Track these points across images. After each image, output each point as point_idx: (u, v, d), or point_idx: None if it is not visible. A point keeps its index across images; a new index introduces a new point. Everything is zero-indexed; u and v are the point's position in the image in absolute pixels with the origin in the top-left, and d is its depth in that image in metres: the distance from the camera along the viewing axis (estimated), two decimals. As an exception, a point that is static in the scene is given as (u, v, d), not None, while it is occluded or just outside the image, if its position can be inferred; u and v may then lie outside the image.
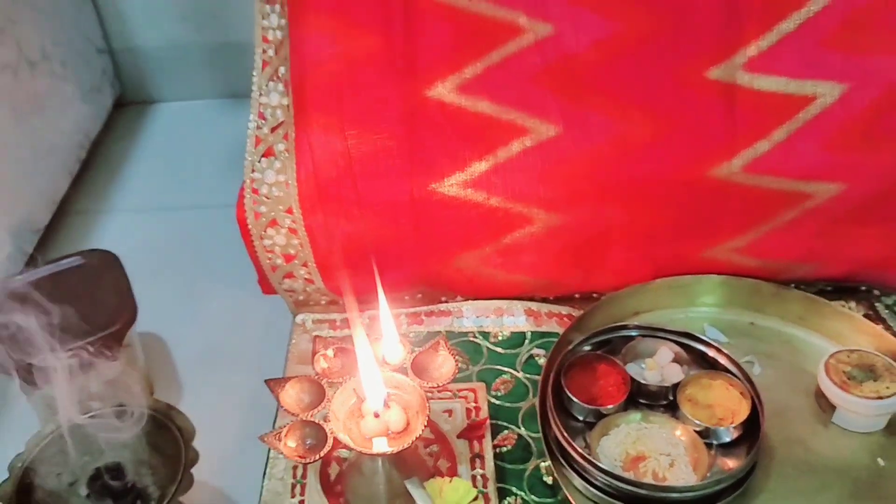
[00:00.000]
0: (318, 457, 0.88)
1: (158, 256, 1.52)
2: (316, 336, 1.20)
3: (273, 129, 1.19)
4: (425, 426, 0.90)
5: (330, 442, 0.89)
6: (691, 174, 1.12)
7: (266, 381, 0.96)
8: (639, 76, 1.12)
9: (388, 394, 0.92)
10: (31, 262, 1.40)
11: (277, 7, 1.18)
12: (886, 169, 1.10)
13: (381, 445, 0.89)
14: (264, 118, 1.19)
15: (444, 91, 1.13)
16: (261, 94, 1.20)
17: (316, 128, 1.15)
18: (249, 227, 1.20)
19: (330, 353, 0.98)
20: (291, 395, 0.94)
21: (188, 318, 1.40)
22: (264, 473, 1.09)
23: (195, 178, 1.72)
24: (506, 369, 1.19)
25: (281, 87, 1.18)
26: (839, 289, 1.25)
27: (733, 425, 1.03)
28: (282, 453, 0.89)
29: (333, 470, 1.03)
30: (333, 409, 0.91)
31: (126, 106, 1.98)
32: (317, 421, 0.92)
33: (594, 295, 1.25)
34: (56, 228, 1.57)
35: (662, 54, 1.11)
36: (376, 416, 0.90)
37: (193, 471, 0.97)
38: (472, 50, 1.14)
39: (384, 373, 0.93)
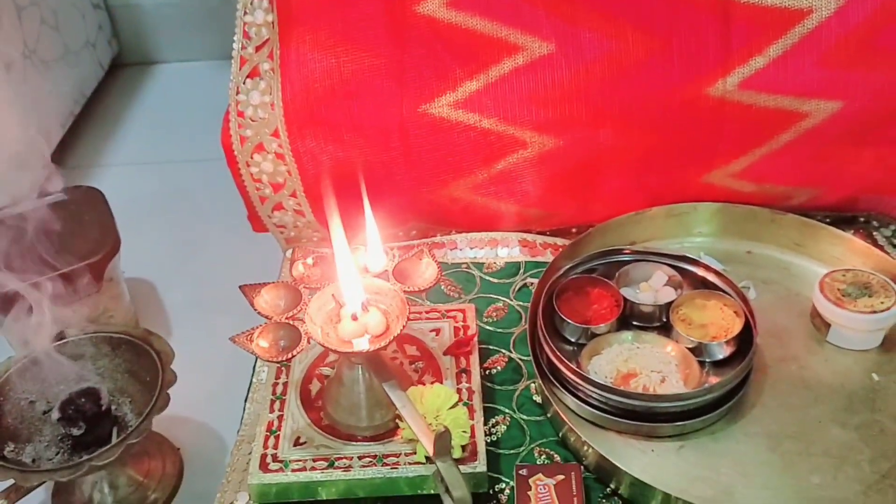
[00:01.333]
0: (289, 356, 0.87)
1: (151, 207, 1.53)
2: (296, 247, 1.19)
3: (258, 49, 1.18)
4: (408, 333, 0.89)
5: (304, 341, 0.88)
6: (686, 93, 1.10)
7: (241, 287, 0.95)
8: None
9: (367, 298, 0.91)
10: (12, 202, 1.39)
11: None
12: (884, 86, 1.09)
13: (359, 344, 0.88)
14: (248, 37, 1.18)
15: (434, 6, 1.12)
16: (245, 13, 1.19)
17: (301, 45, 1.14)
18: (235, 153, 1.19)
19: (309, 260, 0.97)
20: (267, 300, 0.93)
21: (179, 263, 1.40)
22: (246, 399, 1.08)
23: (189, 134, 1.72)
24: (499, 297, 1.18)
25: (266, 3, 1.17)
26: (837, 219, 1.24)
27: (726, 340, 1.01)
28: (252, 352, 0.88)
29: (315, 387, 1.02)
30: (310, 312, 0.90)
31: (124, 66, 1.99)
32: (291, 323, 0.90)
33: (590, 228, 1.23)
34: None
35: None
36: (354, 318, 0.89)
37: (178, 408, 0.97)
38: None
39: (365, 279, 0.92)
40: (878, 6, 1.06)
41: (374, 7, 1.13)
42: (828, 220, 1.23)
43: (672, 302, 1.07)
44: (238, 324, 1.20)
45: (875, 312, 1.03)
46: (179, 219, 1.51)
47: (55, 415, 1.01)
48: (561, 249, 1.21)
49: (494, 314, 1.16)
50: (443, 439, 0.82)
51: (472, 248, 1.25)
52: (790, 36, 1.08)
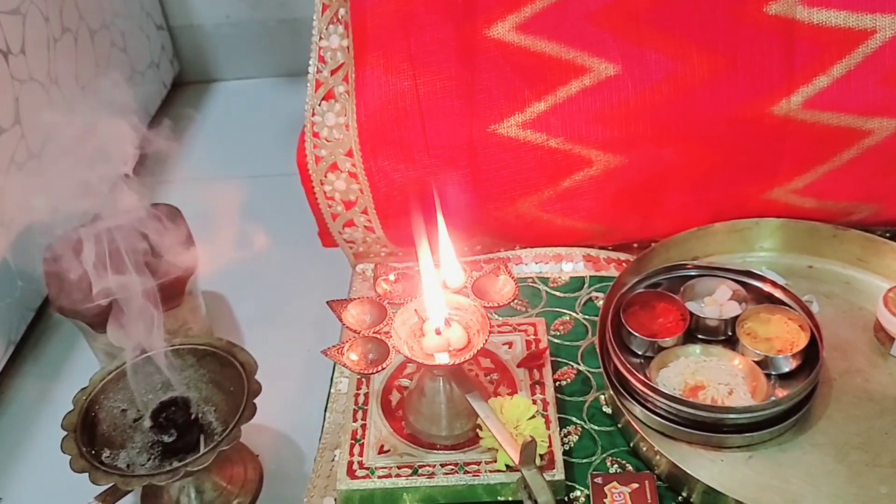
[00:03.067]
0: (379, 368, 0.91)
1: (217, 221, 1.56)
2: (377, 263, 1.23)
3: (333, 72, 1.22)
4: (485, 345, 0.93)
5: (392, 355, 0.92)
6: (750, 112, 1.13)
7: (328, 302, 0.99)
8: (697, 13, 1.14)
9: (448, 314, 0.95)
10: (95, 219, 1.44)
11: None
12: None
13: (443, 358, 0.92)
14: (324, 61, 1.23)
15: (503, 30, 1.17)
16: (321, 38, 1.24)
17: (376, 69, 1.19)
18: (310, 171, 1.23)
19: (391, 277, 1.01)
20: (353, 314, 0.97)
21: (249, 278, 1.45)
22: (326, 408, 1.13)
23: (254, 150, 1.78)
24: (565, 311, 1.22)
25: (341, 28, 1.22)
26: (896, 233, 1.26)
27: (792, 354, 1.04)
28: (344, 365, 0.92)
29: (395, 398, 1.06)
30: (395, 327, 0.95)
31: (185, 85, 2.05)
32: (379, 337, 0.94)
33: (653, 244, 1.27)
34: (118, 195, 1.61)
35: None
36: (438, 333, 0.93)
37: (258, 417, 1.01)
38: None
39: (445, 294, 0.96)
40: None
41: (445, 31, 1.17)
42: (888, 234, 1.25)
43: (737, 316, 1.09)
44: (308, 336, 1.26)
45: (939, 326, 1.05)
46: (246, 233, 1.55)
47: (147, 423, 1.06)
48: (624, 264, 1.24)
49: (561, 328, 1.19)
50: (529, 449, 0.86)
51: (537, 263, 1.28)
52: (854, 56, 1.10)
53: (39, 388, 1.31)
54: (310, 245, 1.35)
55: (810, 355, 1.05)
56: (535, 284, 1.26)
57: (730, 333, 1.09)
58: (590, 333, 1.17)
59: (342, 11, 1.21)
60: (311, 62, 1.23)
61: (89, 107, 1.56)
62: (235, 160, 1.77)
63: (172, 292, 1.18)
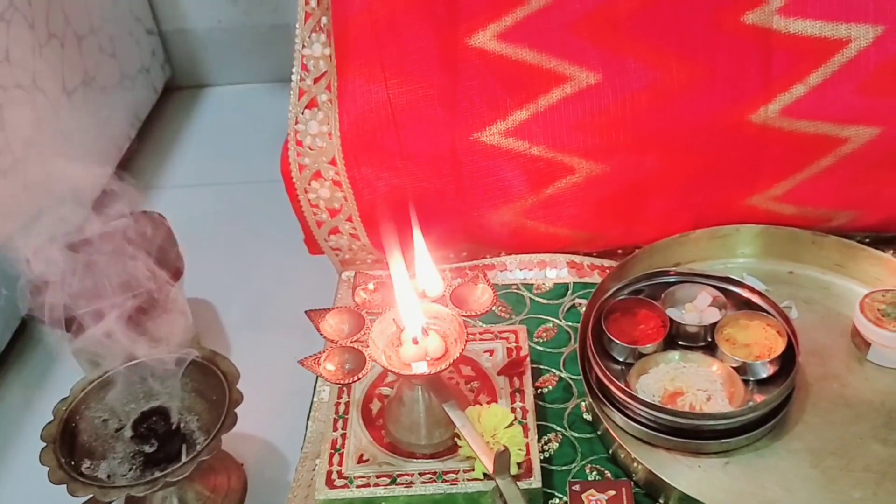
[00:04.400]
0: (355, 378, 0.92)
1: (206, 228, 1.58)
2: (357, 272, 1.24)
3: (316, 80, 1.23)
4: (464, 354, 0.94)
5: (368, 365, 0.93)
6: (729, 120, 1.15)
7: (307, 311, 1.00)
8: (676, 22, 1.14)
9: (426, 322, 0.96)
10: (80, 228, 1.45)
11: None
12: None
13: (420, 367, 0.93)
14: (307, 69, 1.24)
15: (484, 39, 1.17)
16: (304, 46, 1.24)
17: (358, 77, 1.19)
18: (294, 180, 1.24)
19: (370, 286, 1.02)
20: (332, 324, 0.98)
21: (236, 284, 1.46)
22: (308, 417, 1.14)
23: (244, 156, 1.78)
24: (548, 318, 1.23)
25: (323, 37, 1.23)
26: (877, 239, 1.27)
27: (769, 360, 1.05)
28: (320, 375, 0.93)
29: (375, 406, 1.07)
30: (373, 336, 0.96)
31: (176, 90, 2.05)
32: (356, 347, 0.95)
33: (636, 250, 1.27)
34: (104, 202, 1.61)
35: (698, 0, 1.14)
36: (415, 342, 0.94)
37: (241, 425, 1.02)
38: None
39: (423, 304, 0.97)
40: None
41: (426, 40, 1.18)
42: (867, 240, 1.26)
43: (717, 322, 1.10)
44: (295, 343, 1.25)
45: (913, 332, 1.06)
46: (234, 240, 1.56)
47: (128, 433, 1.07)
48: (608, 271, 1.25)
49: (544, 334, 1.20)
50: (502, 458, 0.87)
51: (521, 270, 1.29)
52: (830, 65, 1.11)
53: (23, 396, 1.31)
54: (297, 251, 1.35)
55: (788, 361, 1.05)
56: (519, 291, 1.27)
57: (709, 339, 1.10)
58: (572, 340, 1.18)
59: (324, 20, 1.22)
60: (294, 70, 1.24)
61: (75, 113, 1.58)
62: (225, 166, 1.78)
63: (157, 301, 1.18)
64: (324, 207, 1.26)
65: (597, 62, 1.15)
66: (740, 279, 1.18)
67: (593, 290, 1.19)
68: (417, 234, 1.00)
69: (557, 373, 1.14)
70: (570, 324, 1.20)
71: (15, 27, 1.39)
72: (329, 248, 1.31)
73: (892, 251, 1.25)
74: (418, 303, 0.95)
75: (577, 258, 1.29)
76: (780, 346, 1.06)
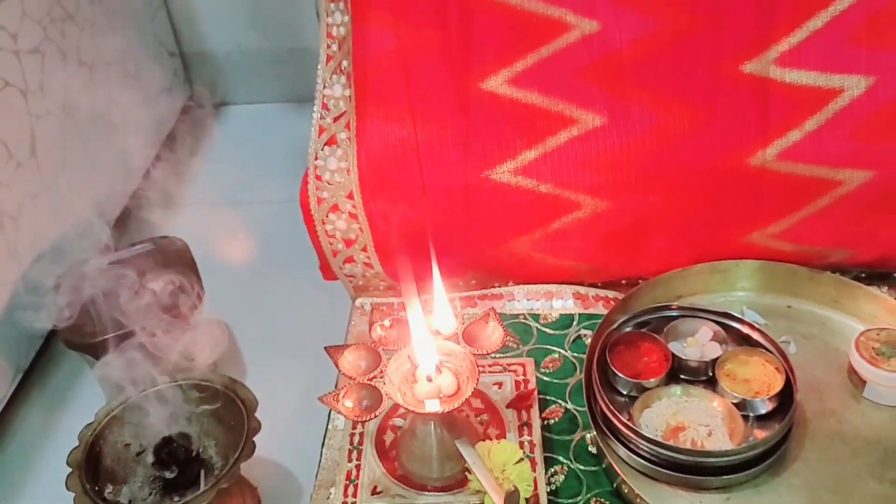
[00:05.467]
0: (373, 415, 0.93)
1: (223, 247, 1.57)
2: (374, 307, 1.24)
3: (336, 119, 1.24)
4: (475, 388, 0.94)
5: (385, 402, 0.93)
6: (728, 163, 1.15)
7: (326, 348, 1.00)
8: (678, 70, 1.15)
9: (440, 360, 0.96)
10: (105, 250, 1.45)
11: (341, 5, 1.23)
12: None
13: (433, 405, 0.93)
14: (328, 108, 1.25)
15: (496, 83, 1.18)
16: (325, 87, 1.25)
17: (376, 117, 1.20)
18: (312, 212, 1.25)
19: (386, 322, 1.02)
20: (349, 360, 0.99)
21: (252, 304, 1.45)
22: (322, 444, 1.14)
23: (261, 175, 1.78)
24: (554, 348, 1.23)
25: (343, 79, 1.24)
26: (873, 275, 1.27)
27: (768, 397, 1.05)
28: (339, 412, 0.94)
29: (388, 437, 1.07)
30: (388, 373, 0.96)
31: (196, 108, 2.03)
32: (373, 384, 0.96)
33: (640, 281, 1.28)
34: (126, 221, 1.63)
35: (699, 50, 1.15)
36: (429, 380, 0.95)
37: (258, 448, 1.02)
38: (524, 45, 1.18)
39: (437, 341, 0.97)
40: None
41: (442, 85, 1.19)
42: (864, 275, 1.27)
43: (717, 357, 1.11)
44: (309, 365, 1.26)
45: (907, 372, 1.06)
46: (250, 260, 1.56)
47: (150, 458, 1.07)
48: (612, 302, 1.25)
49: (551, 365, 1.20)
50: (513, 497, 0.88)
51: (528, 300, 1.29)
52: (824, 112, 1.12)
53: (45, 416, 1.31)
54: (312, 273, 1.35)
55: (786, 397, 1.05)
56: (526, 321, 1.27)
57: (710, 374, 1.10)
58: (578, 371, 1.18)
59: (345, 63, 1.23)
60: (315, 109, 1.25)
61: (101, 135, 1.59)
62: (244, 185, 1.78)
63: (177, 326, 1.19)
64: (340, 238, 1.26)
65: (602, 106, 1.16)
66: (740, 314, 1.18)
67: (598, 321, 1.19)
68: (436, 273, 1.00)
69: (563, 404, 1.14)
70: (575, 354, 1.21)
71: (49, 59, 1.39)
72: (343, 276, 1.31)
73: (886, 287, 1.25)
74: (432, 341, 0.95)
75: (582, 289, 1.29)
76: (778, 383, 1.06)
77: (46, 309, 1.23)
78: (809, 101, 1.13)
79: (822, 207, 1.17)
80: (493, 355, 1.12)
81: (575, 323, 1.25)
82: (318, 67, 1.26)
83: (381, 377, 0.96)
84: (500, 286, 1.32)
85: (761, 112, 1.14)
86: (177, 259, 1.28)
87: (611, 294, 1.28)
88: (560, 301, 1.28)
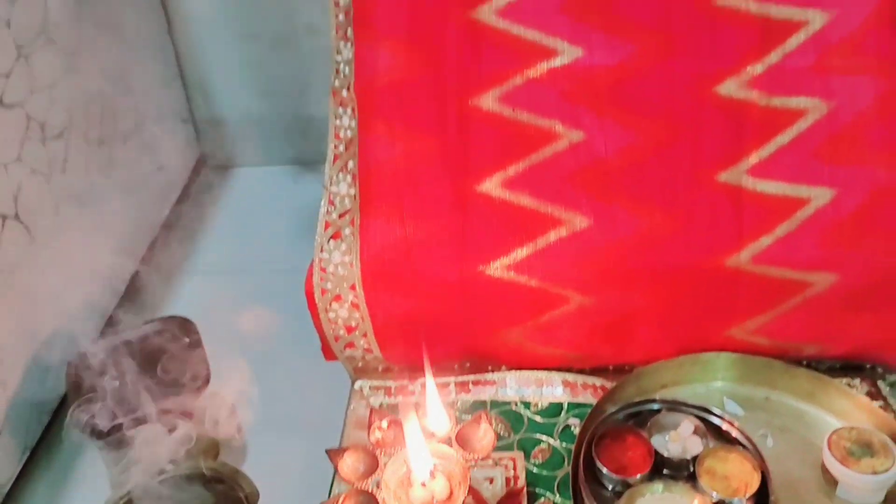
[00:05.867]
0: (368, 524, 0.98)
1: (230, 319, 1.61)
2: (372, 408, 1.29)
3: (341, 216, 1.30)
4: (466, 496, 0.99)
5: (381, 508, 0.98)
6: (706, 264, 1.22)
7: (327, 451, 1.05)
8: (658, 178, 1.23)
9: (434, 464, 1.01)
10: (111, 321, 1.49)
11: (349, 110, 1.30)
12: (875, 262, 1.20)
13: (426, 514, 0.98)
14: (333, 205, 1.31)
15: (491, 186, 1.25)
16: (331, 184, 1.32)
17: (379, 216, 1.27)
18: (316, 301, 1.30)
19: (384, 424, 1.07)
20: (348, 463, 1.04)
21: (255, 378, 1.47)
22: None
23: (269, 242, 1.82)
24: (544, 438, 1.27)
25: (349, 178, 1.30)
26: (847, 366, 1.32)
27: (746, 497, 1.10)
28: (339, 524, 0.99)
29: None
30: (385, 478, 1.01)
31: (204, 170, 2.09)
32: (370, 490, 1.01)
33: (626, 367, 1.33)
34: (135, 288, 1.65)
35: (678, 160, 1.23)
36: (423, 485, 1.00)
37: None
38: (517, 152, 1.25)
39: (431, 444, 1.03)
40: (866, 197, 1.19)
41: (440, 186, 1.26)
42: (838, 365, 1.32)
43: (698, 455, 1.16)
44: (307, 442, 1.30)
45: (875, 473, 1.11)
46: (256, 333, 1.59)
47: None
48: (600, 390, 1.31)
49: (540, 455, 1.25)
50: None
51: (520, 387, 1.34)
52: (793, 220, 1.20)
53: (51, 496, 1.33)
54: (316, 349, 1.40)
55: (764, 496, 1.10)
56: (517, 409, 1.31)
57: (692, 469, 1.15)
58: (566, 462, 1.22)
59: (351, 164, 1.30)
60: (322, 203, 1.32)
61: (117, 206, 1.63)
62: (251, 252, 1.81)
63: (180, 412, 1.23)
64: (342, 325, 1.31)
65: (588, 209, 1.22)
66: (720, 404, 1.25)
67: (586, 409, 1.24)
68: (429, 379, 1.06)
69: (552, 497, 1.19)
70: (564, 444, 1.25)
71: (72, 142, 1.45)
72: (344, 358, 1.37)
73: (860, 378, 1.30)
74: (426, 449, 1.00)
75: (570, 377, 1.33)
76: (755, 482, 1.11)
77: (55, 390, 1.28)
78: (779, 210, 1.20)
79: (794, 306, 1.23)
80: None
81: (564, 411, 1.30)
82: (326, 165, 1.33)
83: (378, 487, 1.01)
84: (493, 370, 1.37)
85: (735, 218, 1.21)
86: (184, 340, 1.32)
87: (598, 382, 1.33)
88: (550, 388, 1.33)
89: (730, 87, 1.23)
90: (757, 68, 1.22)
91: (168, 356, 1.29)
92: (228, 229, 1.91)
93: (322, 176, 1.35)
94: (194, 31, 1.94)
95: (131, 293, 1.66)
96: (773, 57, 1.21)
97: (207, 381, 1.29)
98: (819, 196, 1.19)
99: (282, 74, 1.97)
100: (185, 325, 1.36)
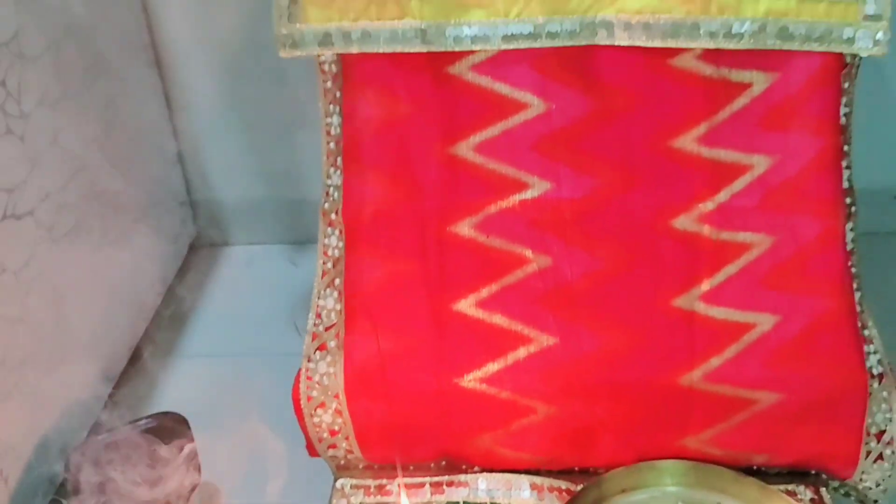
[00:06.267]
0: None
1: (219, 404, 1.64)
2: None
3: (327, 328, 1.42)
4: None
5: None
6: (661, 381, 1.33)
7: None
8: (619, 301, 1.35)
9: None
10: (106, 408, 1.56)
11: (337, 231, 1.43)
12: (816, 383, 1.32)
13: None
14: (320, 317, 1.42)
15: (466, 306, 1.37)
16: (319, 297, 1.43)
17: (362, 331, 1.38)
18: (302, 407, 1.41)
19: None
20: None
21: (240, 469, 1.53)
22: None
23: (261, 323, 1.89)
24: (512, 545, 1.36)
25: (336, 294, 1.42)
26: (793, 472, 1.43)
27: None
28: None
29: None
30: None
31: (199, 248, 2.17)
32: None
33: (590, 469, 1.44)
34: (130, 374, 1.74)
35: (637, 286, 1.35)
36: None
37: None
38: (490, 275, 1.38)
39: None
40: (807, 324, 1.33)
41: (419, 306, 1.38)
42: (786, 471, 1.43)
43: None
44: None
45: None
46: (244, 420, 1.66)
47: None
48: (565, 493, 1.40)
49: (509, 566, 1.34)
50: None
51: (490, 489, 1.43)
52: (740, 343, 1.32)
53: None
54: (299, 442, 1.48)
55: None
56: (488, 511, 1.41)
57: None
58: (528, 572, 1.33)
59: (337, 280, 1.41)
60: (310, 316, 1.43)
61: (111, 292, 1.71)
62: (243, 333, 1.88)
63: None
64: (325, 428, 1.42)
65: (555, 328, 1.34)
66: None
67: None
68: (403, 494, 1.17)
69: None
70: (531, 552, 1.35)
71: (79, 241, 1.55)
72: (328, 457, 1.47)
73: (804, 486, 1.40)
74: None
75: (538, 479, 1.43)
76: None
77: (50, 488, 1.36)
78: (728, 333, 1.32)
79: (742, 421, 1.34)
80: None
81: (530, 515, 1.40)
82: (315, 280, 1.44)
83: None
84: (467, 470, 1.47)
85: (688, 340, 1.33)
86: (176, 437, 1.41)
87: (563, 485, 1.42)
88: (518, 491, 1.43)
89: (684, 222, 1.35)
90: (708, 205, 1.34)
91: (158, 453, 1.37)
92: (222, 309, 1.98)
93: (312, 255, 1.46)
94: (195, 118, 2.04)
95: (126, 379, 1.74)
96: (722, 196, 1.34)
97: (198, 480, 1.38)
98: (764, 322, 1.31)
99: (277, 158, 2.06)
100: (177, 421, 1.45)
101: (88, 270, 1.60)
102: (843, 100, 1.34)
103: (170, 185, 2.03)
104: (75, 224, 1.55)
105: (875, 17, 1.26)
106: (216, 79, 2.01)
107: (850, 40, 1.28)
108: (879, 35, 1.25)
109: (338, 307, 1.41)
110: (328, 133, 1.44)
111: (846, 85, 1.34)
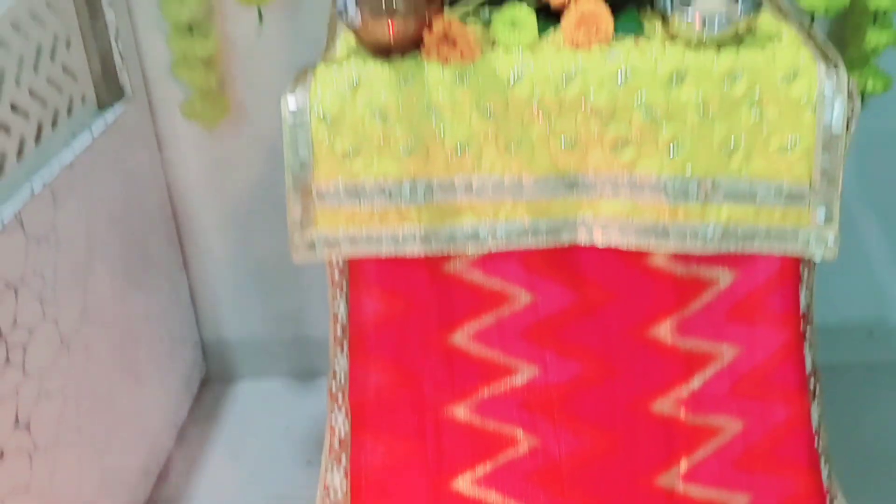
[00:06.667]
0: None
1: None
2: None
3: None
4: None
5: None
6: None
7: None
8: (605, 481, 1.50)
9: None
10: None
11: (343, 412, 1.54)
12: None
13: None
14: (328, 496, 1.54)
15: (463, 485, 1.49)
16: (326, 471, 1.55)
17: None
18: None
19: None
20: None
21: None
22: None
23: (268, 464, 1.95)
24: None
25: (342, 472, 1.53)
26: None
27: None
28: None
29: None
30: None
31: (210, 383, 2.23)
32: None
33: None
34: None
35: (620, 467, 1.49)
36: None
37: None
38: (484, 454, 1.50)
39: None
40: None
41: (419, 486, 1.51)
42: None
43: None
44: None
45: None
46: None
47: None
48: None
49: None
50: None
51: None
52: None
53: None
54: None
55: None
56: None
57: None
58: None
59: (343, 458, 1.53)
60: (318, 492, 1.55)
61: (125, 436, 1.79)
62: (251, 477, 1.93)
63: None
64: None
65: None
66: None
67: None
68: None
69: None
70: None
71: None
72: None
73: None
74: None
75: None
76: None
77: None
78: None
79: None
80: None
81: None
82: (323, 455, 1.57)
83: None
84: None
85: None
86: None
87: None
88: None
89: (662, 406, 1.47)
90: (682, 392, 1.46)
91: None
92: (232, 449, 2.03)
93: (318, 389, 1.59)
94: (208, 265, 2.14)
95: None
96: (696, 382, 1.46)
97: None
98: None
99: (283, 299, 2.17)
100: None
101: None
102: (803, 290, 1.45)
103: (181, 327, 2.10)
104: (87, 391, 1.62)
105: (827, 223, 1.37)
106: (226, 231, 2.12)
107: (806, 242, 1.39)
108: (830, 240, 1.37)
109: (343, 487, 1.53)
110: (335, 318, 1.55)
111: (805, 274, 1.45)
